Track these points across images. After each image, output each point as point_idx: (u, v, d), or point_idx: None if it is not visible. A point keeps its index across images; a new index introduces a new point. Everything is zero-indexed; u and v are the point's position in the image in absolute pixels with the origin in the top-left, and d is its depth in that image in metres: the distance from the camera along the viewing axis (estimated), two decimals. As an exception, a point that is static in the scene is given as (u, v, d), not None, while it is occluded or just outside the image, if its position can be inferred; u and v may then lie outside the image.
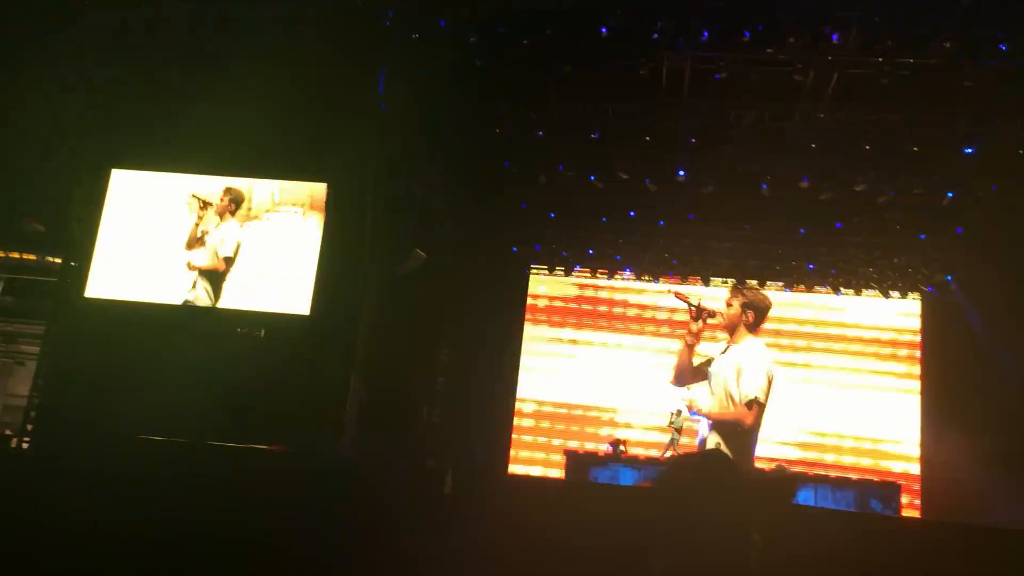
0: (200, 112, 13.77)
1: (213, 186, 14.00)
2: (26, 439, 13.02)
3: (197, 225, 13.88)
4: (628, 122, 13.88)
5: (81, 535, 5.03)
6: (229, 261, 13.79)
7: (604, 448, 16.56)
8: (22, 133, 15.70)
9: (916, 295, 17.72)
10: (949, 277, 16.90)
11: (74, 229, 14.19)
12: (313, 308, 13.46)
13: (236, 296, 13.78)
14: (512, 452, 17.79)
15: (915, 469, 16.63)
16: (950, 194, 14.36)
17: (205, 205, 13.95)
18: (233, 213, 14.02)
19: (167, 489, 5.39)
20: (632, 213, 16.53)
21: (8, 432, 19.64)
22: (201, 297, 13.81)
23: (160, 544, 4.44)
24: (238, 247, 13.80)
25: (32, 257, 23.82)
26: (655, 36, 11.49)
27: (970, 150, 13.05)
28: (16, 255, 24.16)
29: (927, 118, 12.82)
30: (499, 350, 18.25)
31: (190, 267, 13.75)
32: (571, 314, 18.62)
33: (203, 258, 13.84)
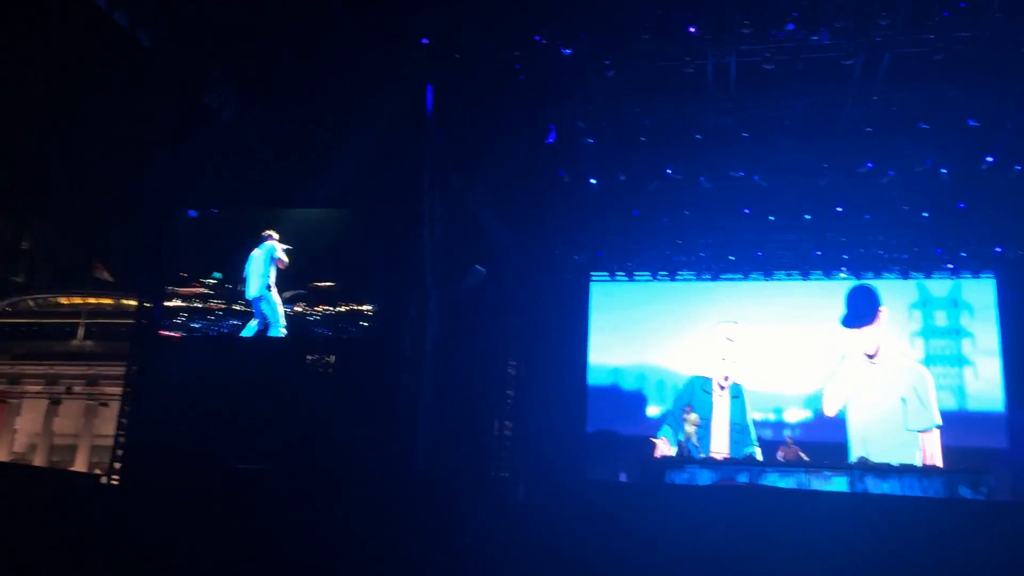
0: (261, 146, 14.26)
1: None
2: (115, 477, 13.48)
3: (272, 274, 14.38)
4: (677, 121, 13.83)
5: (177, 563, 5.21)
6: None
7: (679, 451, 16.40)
8: (91, 183, 16.35)
9: (989, 273, 17.17)
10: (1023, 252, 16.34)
11: (145, 269, 14.68)
12: (381, 329, 13.72)
13: (303, 325, 14.14)
14: (585, 459, 17.72)
15: (1002, 445, 16.17)
16: (1017, 167, 13.96)
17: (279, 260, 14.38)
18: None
19: (252, 512, 5.55)
20: (688, 212, 16.40)
21: (98, 471, 20.37)
22: (272, 329, 14.17)
23: (250, 563, 4.58)
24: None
25: (109, 301, 24.70)
26: (696, 32, 11.45)
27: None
28: (93, 300, 25.09)
29: (985, 91, 12.51)
30: (566, 359, 18.23)
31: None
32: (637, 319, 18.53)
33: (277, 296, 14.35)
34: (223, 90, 14.34)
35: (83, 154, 16.07)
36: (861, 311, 17.54)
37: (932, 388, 16.87)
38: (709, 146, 14.17)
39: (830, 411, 16.99)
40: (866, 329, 17.43)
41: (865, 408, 16.83)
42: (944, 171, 14.07)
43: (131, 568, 5.34)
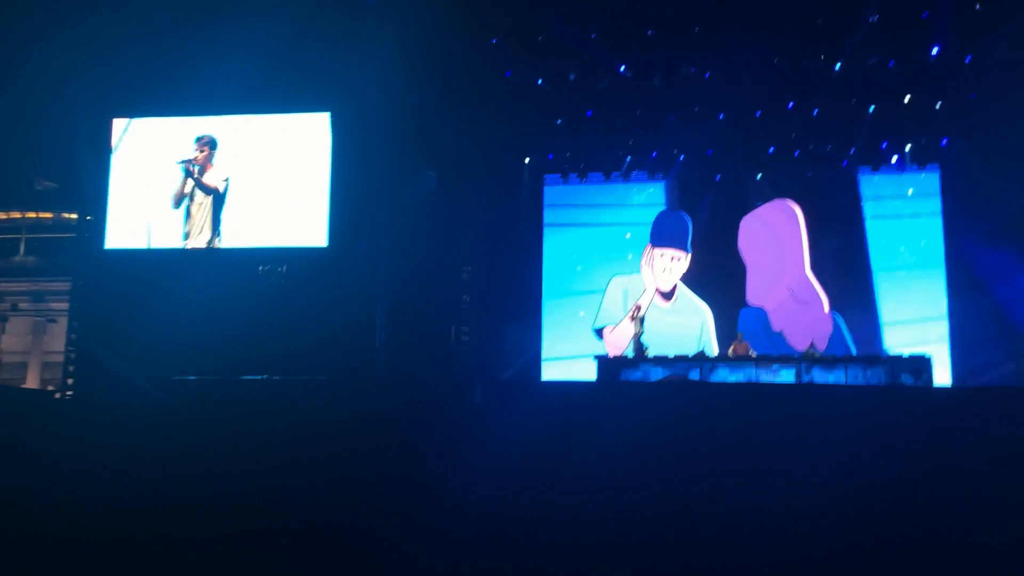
0: (196, 52, 13.69)
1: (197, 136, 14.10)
2: (68, 392, 13.37)
3: (187, 183, 14.04)
4: (627, 17, 13.57)
5: (129, 477, 5.20)
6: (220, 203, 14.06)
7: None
8: (23, 93, 15.65)
9: (934, 166, 17.37)
10: (967, 143, 16.54)
11: (84, 182, 14.25)
12: (331, 239, 13.57)
13: (255, 236, 13.91)
14: (543, 362, 17.96)
15: (944, 342, 16.64)
16: (968, 58, 14.02)
17: (190, 164, 14.05)
18: (211, 159, 14.15)
19: (205, 425, 5.54)
20: (639, 111, 16.24)
21: (51, 387, 20.19)
22: (219, 239, 13.93)
23: (204, 476, 4.59)
24: (226, 187, 14.06)
25: (48, 215, 23.99)
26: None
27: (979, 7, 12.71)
28: (32, 214, 24.35)
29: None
30: (521, 262, 18.26)
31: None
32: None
33: (198, 211, 14.04)
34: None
35: (15, 62, 15.34)
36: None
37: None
38: (660, 42, 13.96)
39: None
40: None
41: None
42: (892, 63, 14.06)
43: (93, 481, 5.32)
